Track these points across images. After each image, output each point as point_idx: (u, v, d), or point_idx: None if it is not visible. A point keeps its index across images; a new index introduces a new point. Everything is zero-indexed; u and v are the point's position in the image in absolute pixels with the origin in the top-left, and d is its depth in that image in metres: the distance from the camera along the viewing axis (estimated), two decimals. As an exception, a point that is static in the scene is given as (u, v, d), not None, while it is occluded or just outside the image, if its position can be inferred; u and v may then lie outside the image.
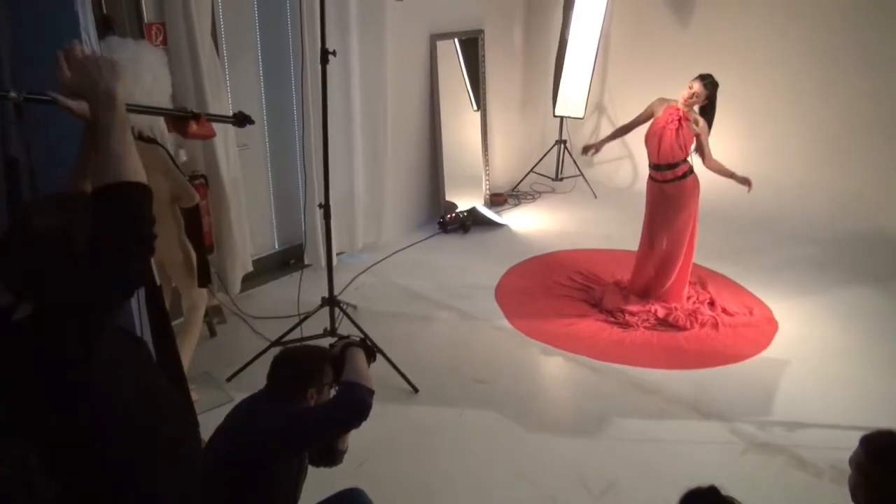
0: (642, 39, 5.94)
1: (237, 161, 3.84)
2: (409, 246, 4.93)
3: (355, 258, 4.69)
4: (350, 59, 4.21)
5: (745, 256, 4.82)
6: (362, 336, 2.98)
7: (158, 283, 2.59)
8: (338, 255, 4.56)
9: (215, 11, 3.62)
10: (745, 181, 3.82)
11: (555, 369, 3.63)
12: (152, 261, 2.70)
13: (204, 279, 3.09)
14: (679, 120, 3.76)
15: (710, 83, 3.70)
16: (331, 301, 3.46)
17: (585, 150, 4.21)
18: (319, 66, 3.03)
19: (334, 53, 2.94)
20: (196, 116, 2.44)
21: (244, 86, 4.01)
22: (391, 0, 4.26)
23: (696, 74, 3.75)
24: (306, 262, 4.40)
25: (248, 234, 4.06)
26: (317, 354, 2.01)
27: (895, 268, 4.65)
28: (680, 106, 3.76)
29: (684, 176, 3.84)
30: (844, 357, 3.70)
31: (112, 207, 1.26)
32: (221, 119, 2.72)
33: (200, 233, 3.11)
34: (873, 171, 5.16)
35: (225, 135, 3.67)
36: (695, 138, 3.78)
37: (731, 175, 3.83)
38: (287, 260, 4.53)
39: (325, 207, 3.27)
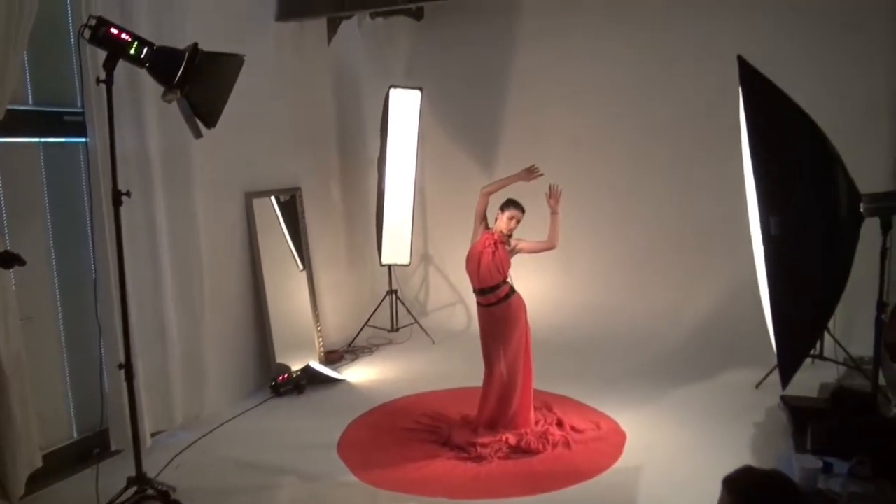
0: (454, 191, 6.31)
1: (19, 336, 3.30)
2: (238, 415, 4.46)
3: (175, 437, 4.11)
4: (157, 224, 3.98)
5: (581, 376, 4.92)
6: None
7: None
8: (153, 435, 3.99)
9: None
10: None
11: (410, 518, 3.29)
12: None
13: (-35, 473, 2.49)
14: (494, 244, 3.90)
15: (520, 204, 3.95)
16: (138, 480, 2.92)
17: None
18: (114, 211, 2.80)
19: (128, 194, 2.73)
20: (-57, 257, 2.09)
21: (30, 250, 3.52)
22: (199, 160, 4.18)
23: (505, 202, 3.97)
24: (113, 447, 3.78)
25: (36, 422, 3.42)
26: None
27: (714, 369, 4.95)
28: (502, 232, 3.92)
29: (507, 297, 3.92)
30: (691, 453, 3.74)
31: None
32: (-21, 260, 2.37)
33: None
34: (674, 287, 5.72)
35: (3, 307, 3.19)
36: (518, 252, 3.95)
37: (554, 214, 3.97)
38: (90, 449, 3.83)
39: (127, 367, 2.86)
